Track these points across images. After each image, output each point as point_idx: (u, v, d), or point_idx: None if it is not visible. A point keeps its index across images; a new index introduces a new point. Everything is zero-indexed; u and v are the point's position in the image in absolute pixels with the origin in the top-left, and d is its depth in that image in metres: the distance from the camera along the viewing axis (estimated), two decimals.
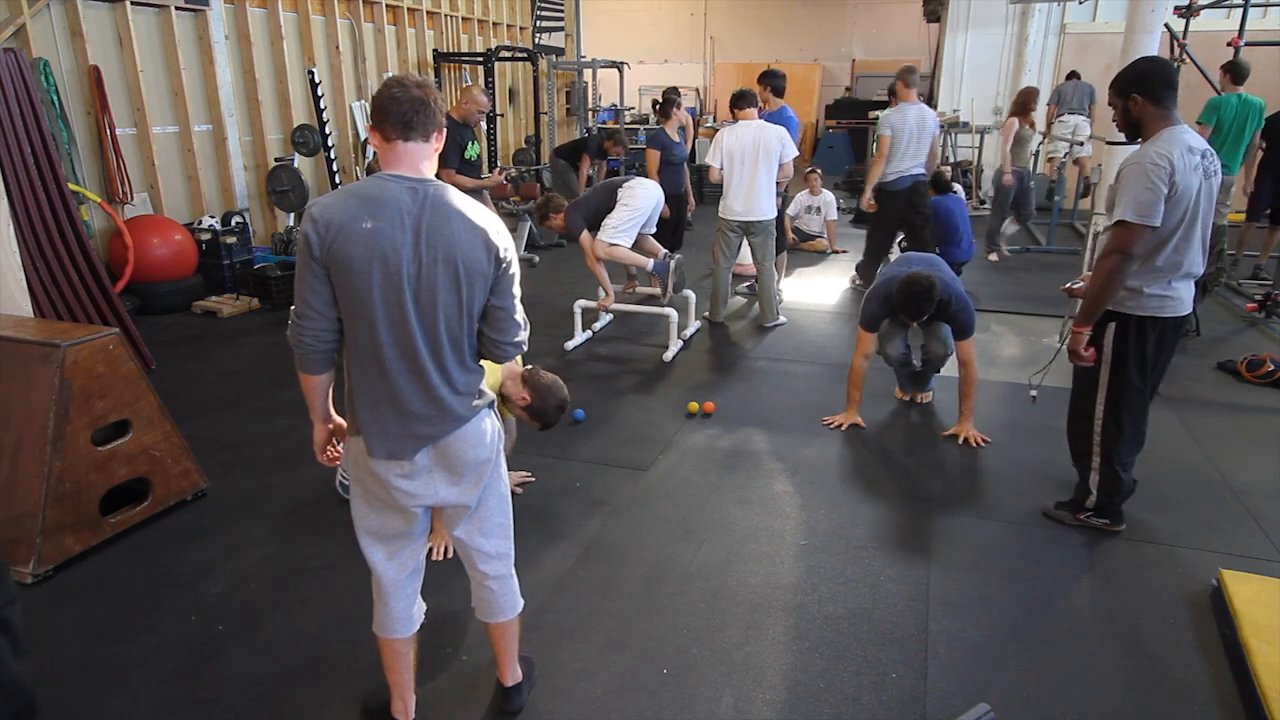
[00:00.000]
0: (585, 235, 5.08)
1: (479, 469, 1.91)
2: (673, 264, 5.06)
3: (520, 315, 1.90)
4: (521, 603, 2.17)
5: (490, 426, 1.93)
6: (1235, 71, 5.94)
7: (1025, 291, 6.67)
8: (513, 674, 2.22)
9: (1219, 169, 2.75)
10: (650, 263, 5.08)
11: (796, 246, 7.89)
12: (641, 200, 5.09)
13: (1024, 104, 7.38)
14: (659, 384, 4.71)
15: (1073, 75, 9.42)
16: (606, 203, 5.12)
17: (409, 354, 1.75)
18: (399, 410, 1.79)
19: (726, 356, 5.21)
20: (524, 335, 1.92)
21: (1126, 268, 2.69)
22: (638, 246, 5.15)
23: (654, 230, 5.37)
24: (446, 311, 1.75)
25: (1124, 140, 3.04)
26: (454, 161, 5.23)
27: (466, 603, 2.16)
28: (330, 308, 1.76)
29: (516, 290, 1.87)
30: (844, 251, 8.32)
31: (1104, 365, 2.89)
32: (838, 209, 8.56)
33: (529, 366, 2.94)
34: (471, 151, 5.38)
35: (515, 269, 1.85)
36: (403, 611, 2.03)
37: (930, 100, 11.52)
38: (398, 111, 1.71)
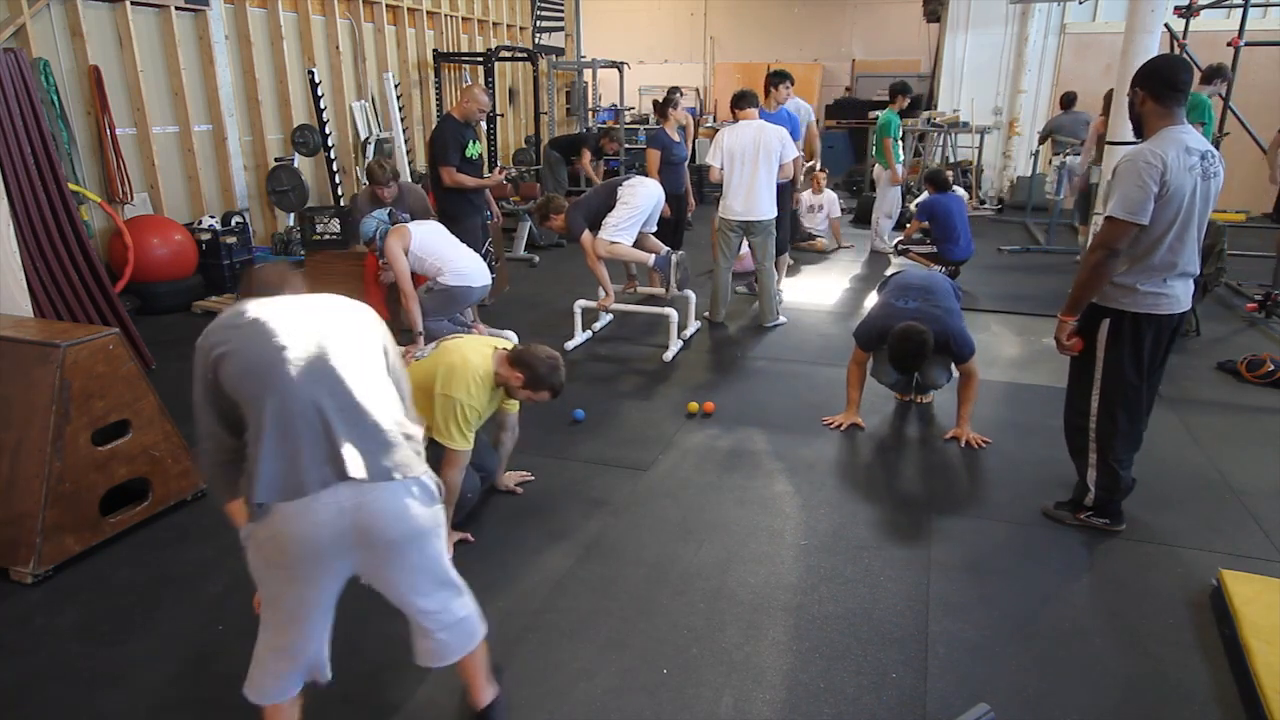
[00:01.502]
0: (586, 235, 5.08)
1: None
2: (675, 259, 5.06)
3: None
4: (482, 630, 2.03)
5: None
6: (1204, 71, 5.99)
7: (1025, 291, 6.67)
8: (489, 692, 2.12)
9: (1219, 171, 2.76)
10: (651, 258, 5.08)
11: (796, 246, 7.90)
12: (642, 198, 5.09)
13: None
14: (659, 384, 4.71)
15: (1069, 100, 8.82)
16: (607, 202, 5.13)
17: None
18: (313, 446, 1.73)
19: (726, 356, 5.21)
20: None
21: (1112, 263, 2.73)
22: (639, 245, 5.16)
23: (654, 229, 5.38)
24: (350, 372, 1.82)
25: (1125, 141, 3.05)
26: (455, 160, 5.23)
27: None
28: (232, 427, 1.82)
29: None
30: (850, 246, 8.39)
31: (1098, 361, 2.90)
32: (840, 208, 8.63)
33: (514, 346, 2.92)
34: (473, 150, 5.37)
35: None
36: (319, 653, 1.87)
37: (930, 100, 11.53)
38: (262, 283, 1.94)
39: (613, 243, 5.00)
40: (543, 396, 2.85)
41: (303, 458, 1.68)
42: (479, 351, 2.85)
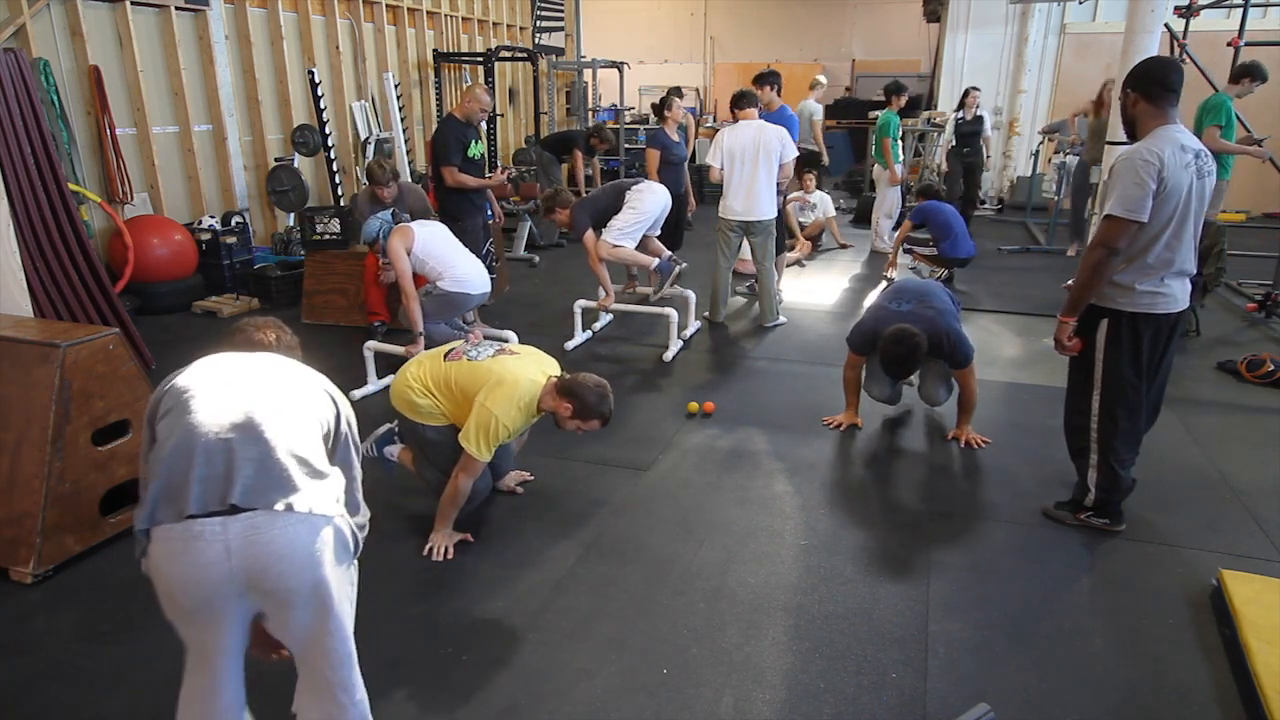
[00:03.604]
0: (589, 235, 5.09)
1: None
2: (678, 270, 5.10)
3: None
4: None
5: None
6: (1233, 70, 5.96)
7: (1024, 291, 6.68)
8: None
9: (1213, 170, 2.78)
10: (654, 262, 5.09)
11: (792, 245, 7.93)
12: (649, 205, 5.10)
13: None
14: (659, 384, 4.71)
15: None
16: (613, 203, 5.13)
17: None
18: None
19: (726, 356, 5.21)
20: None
21: (1111, 261, 2.74)
22: (642, 247, 5.18)
23: (658, 232, 5.39)
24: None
25: (1125, 141, 3.05)
26: (457, 160, 5.22)
27: (466, 601, 2.15)
28: None
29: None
30: (850, 246, 8.40)
31: (1097, 362, 2.91)
32: (835, 207, 8.64)
33: (562, 375, 2.92)
34: (475, 150, 5.37)
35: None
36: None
37: (930, 100, 11.52)
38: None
39: (616, 246, 5.01)
40: (593, 425, 2.84)
41: (190, 482, 1.57)
42: (531, 377, 2.85)
